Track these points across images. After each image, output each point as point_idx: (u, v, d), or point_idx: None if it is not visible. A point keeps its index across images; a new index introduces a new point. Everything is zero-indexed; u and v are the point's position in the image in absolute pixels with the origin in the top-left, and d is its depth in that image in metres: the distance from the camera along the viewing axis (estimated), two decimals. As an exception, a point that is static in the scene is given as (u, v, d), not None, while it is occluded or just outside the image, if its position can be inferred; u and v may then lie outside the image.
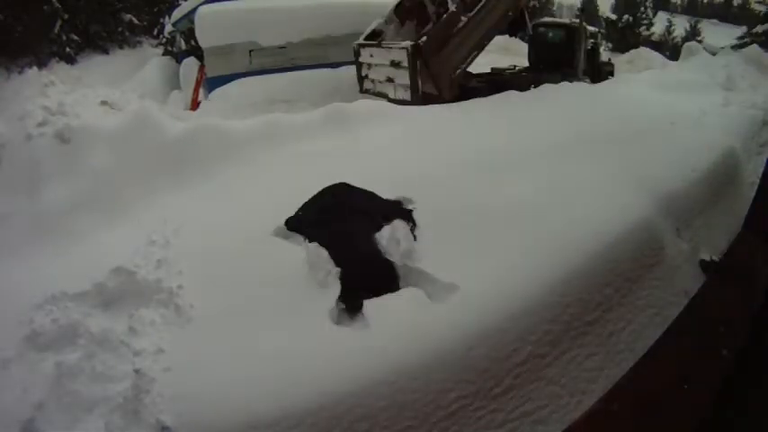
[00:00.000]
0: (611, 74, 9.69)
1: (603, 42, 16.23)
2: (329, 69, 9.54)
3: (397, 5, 8.32)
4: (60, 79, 5.16)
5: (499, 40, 10.83)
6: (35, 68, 6.67)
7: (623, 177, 3.69)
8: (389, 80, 7.17)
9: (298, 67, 9.61)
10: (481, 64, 8.21)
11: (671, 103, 6.11)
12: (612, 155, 4.11)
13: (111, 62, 14.61)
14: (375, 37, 7.93)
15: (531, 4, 19.11)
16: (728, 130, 5.07)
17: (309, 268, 2.78)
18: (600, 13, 27.08)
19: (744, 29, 18.55)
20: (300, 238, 3.13)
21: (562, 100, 5.96)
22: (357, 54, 7.93)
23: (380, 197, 3.38)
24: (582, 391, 2.48)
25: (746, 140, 5.17)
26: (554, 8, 28.92)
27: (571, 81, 7.28)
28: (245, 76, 9.35)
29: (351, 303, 2.61)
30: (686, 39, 21.49)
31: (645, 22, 21.47)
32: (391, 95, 7.15)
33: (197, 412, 2.06)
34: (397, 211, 3.27)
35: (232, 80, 9.29)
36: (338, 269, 2.77)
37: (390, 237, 3.00)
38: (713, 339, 1.41)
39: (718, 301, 1.61)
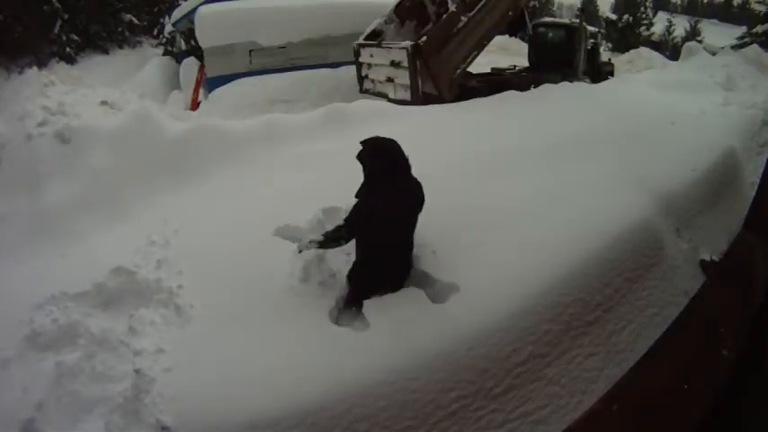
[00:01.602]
0: (611, 74, 9.70)
1: (603, 42, 16.23)
2: (329, 69, 9.54)
3: (397, 5, 8.32)
4: (60, 79, 5.16)
5: (499, 40, 10.83)
6: (35, 68, 6.66)
7: (623, 177, 3.69)
8: (389, 80, 7.17)
9: (298, 67, 9.62)
10: (481, 64, 8.21)
11: (671, 103, 6.11)
12: (612, 155, 4.11)
13: (111, 62, 14.60)
14: (375, 37, 7.93)
15: (531, 4, 19.12)
16: (728, 130, 5.07)
17: (310, 268, 2.78)
18: (600, 13, 27.11)
19: (744, 29, 18.55)
20: (300, 237, 3.12)
21: (562, 100, 5.96)
22: (357, 54, 7.93)
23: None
24: (582, 391, 2.48)
25: (746, 140, 5.17)
26: (554, 8, 28.96)
27: (571, 81, 7.28)
28: (245, 76, 9.35)
29: (357, 300, 2.59)
30: (686, 39, 21.51)
31: (645, 22, 21.48)
32: (391, 95, 7.15)
33: (197, 412, 2.06)
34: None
35: (232, 80, 9.29)
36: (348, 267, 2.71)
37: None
38: (713, 339, 1.41)
39: (718, 301, 1.61)
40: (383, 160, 2.52)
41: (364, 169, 2.55)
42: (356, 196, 2.53)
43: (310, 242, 2.61)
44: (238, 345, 2.35)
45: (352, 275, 2.67)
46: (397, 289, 2.66)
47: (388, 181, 2.49)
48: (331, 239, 2.56)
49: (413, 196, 2.56)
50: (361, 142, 2.58)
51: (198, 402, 2.09)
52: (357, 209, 2.50)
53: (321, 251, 2.85)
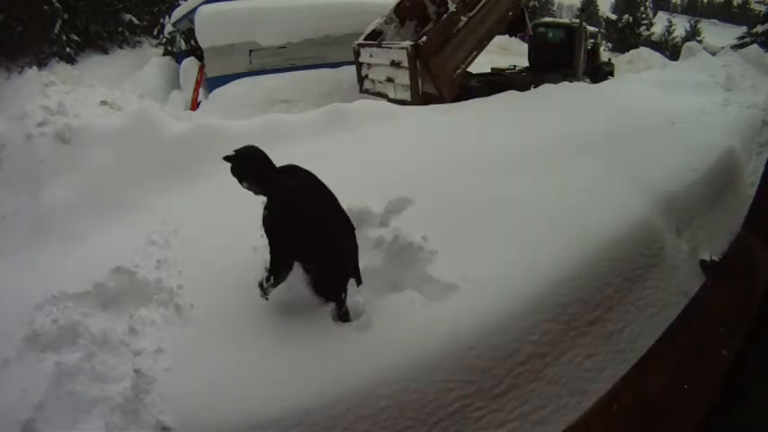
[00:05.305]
0: (611, 74, 9.72)
1: (603, 42, 16.24)
2: (329, 69, 9.55)
3: (397, 5, 8.33)
4: (60, 79, 5.18)
5: (499, 40, 10.84)
6: (35, 68, 6.68)
7: (623, 177, 3.69)
8: (389, 80, 7.18)
9: (298, 67, 9.63)
10: (481, 64, 8.22)
11: (671, 103, 6.12)
12: (612, 154, 4.11)
13: (111, 62, 14.62)
14: (375, 37, 7.94)
15: (531, 4, 19.14)
16: (728, 130, 5.06)
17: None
18: (600, 13, 27.12)
19: (744, 29, 18.55)
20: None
21: (562, 100, 5.96)
22: (357, 54, 7.93)
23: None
24: (582, 391, 2.47)
25: (746, 140, 5.16)
26: (554, 8, 28.98)
27: (571, 81, 7.30)
28: (244, 76, 9.37)
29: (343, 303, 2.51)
30: (686, 39, 21.52)
31: (645, 22, 21.53)
32: (391, 95, 7.15)
33: (197, 412, 2.06)
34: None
35: (232, 80, 9.31)
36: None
37: None
38: (713, 339, 1.41)
39: (718, 301, 1.61)
40: (259, 156, 2.41)
41: (250, 179, 2.38)
42: (266, 209, 2.33)
43: (265, 287, 2.42)
44: (238, 344, 2.35)
45: (325, 289, 2.47)
46: (357, 275, 2.60)
47: (276, 171, 2.41)
48: (278, 270, 2.36)
49: (304, 174, 2.50)
50: (228, 158, 2.35)
51: (198, 402, 2.09)
52: (281, 208, 2.30)
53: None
